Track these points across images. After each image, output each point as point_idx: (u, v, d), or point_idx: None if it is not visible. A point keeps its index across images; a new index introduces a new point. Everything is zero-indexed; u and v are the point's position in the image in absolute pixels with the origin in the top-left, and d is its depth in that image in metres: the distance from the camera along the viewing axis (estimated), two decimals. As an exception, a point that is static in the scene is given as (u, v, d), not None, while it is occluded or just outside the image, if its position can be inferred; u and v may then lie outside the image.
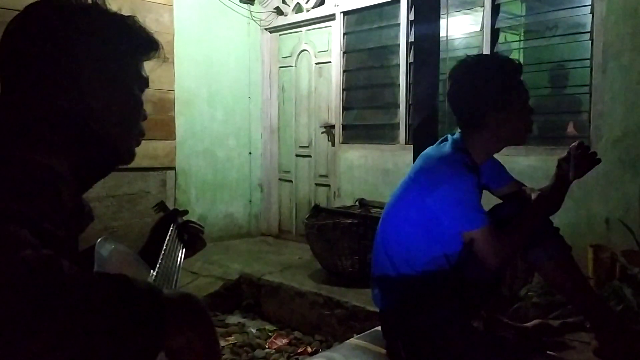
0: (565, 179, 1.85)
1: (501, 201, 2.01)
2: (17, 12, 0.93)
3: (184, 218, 1.43)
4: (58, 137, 0.86)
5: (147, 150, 4.42)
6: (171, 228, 1.32)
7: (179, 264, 1.25)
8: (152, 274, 1.06)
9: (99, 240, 0.88)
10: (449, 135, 1.89)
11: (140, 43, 0.97)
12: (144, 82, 1.00)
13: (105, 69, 0.92)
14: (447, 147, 1.83)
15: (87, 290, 0.63)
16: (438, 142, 1.92)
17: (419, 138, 2.54)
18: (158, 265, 1.09)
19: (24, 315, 0.58)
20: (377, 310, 1.98)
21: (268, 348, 3.37)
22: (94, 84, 0.91)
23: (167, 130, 4.69)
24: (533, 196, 1.88)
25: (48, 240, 0.67)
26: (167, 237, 1.26)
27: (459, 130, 1.90)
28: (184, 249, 1.33)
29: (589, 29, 3.32)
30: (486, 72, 1.81)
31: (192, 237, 1.38)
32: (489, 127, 1.79)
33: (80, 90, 0.90)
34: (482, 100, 1.78)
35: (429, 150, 1.90)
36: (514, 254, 1.80)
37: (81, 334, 0.61)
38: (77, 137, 0.89)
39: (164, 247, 1.19)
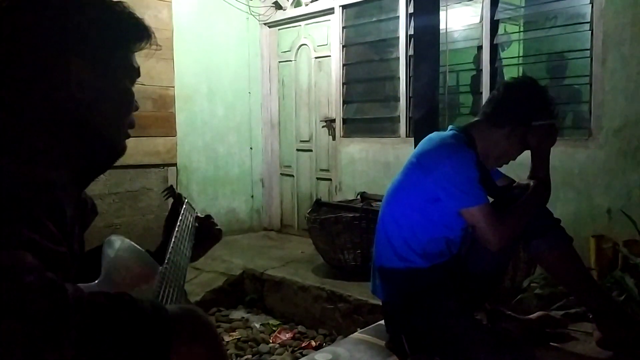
0: (540, 152, 1.92)
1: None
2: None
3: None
4: (54, 135, 0.84)
5: (148, 147, 4.42)
6: (180, 218, 1.31)
7: (188, 257, 1.23)
8: (161, 269, 1.06)
9: (107, 239, 0.88)
10: (451, 126, 1.95)
11: (131, 31, 0.93)
12: (136, 73, 0.96)
13: (96, 60, 0.88)
14: (448, 132, 1.90)
15: (92, 314, 0.63)
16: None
17: (420, 131, 2.54)
18: (166, 261, 1.08)
19: (30, 342, 0.58)
20: (380, 303, 1.99)
21: (272, 342, 3.39)
22: (85, 75, 0.86)
23: (168, 127, 4.69)
24: (532, 184, 1.90)
25: (50, 259, 0.66)
26: (176, 230, 1.24)
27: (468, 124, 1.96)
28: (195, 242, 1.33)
29: (588, 20, 3.31)
30: (541, 98, 1.92)
31: (209, 233, 1.38)
32: (505, 130, 1.87)
33: (71, 83, 0.85)
34: (520, 113, 1.87)
35: (431, 134, 1.94)
36: (514, 236, 1.80)
37: (88, 356, 0.61)
38: (72, 133, 0.86)
39: (172, 240, 1.18)
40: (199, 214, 1.46)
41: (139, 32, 0.93)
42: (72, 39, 0.85)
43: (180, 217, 1.32)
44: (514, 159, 1.95)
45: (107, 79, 0.90)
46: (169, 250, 1.13)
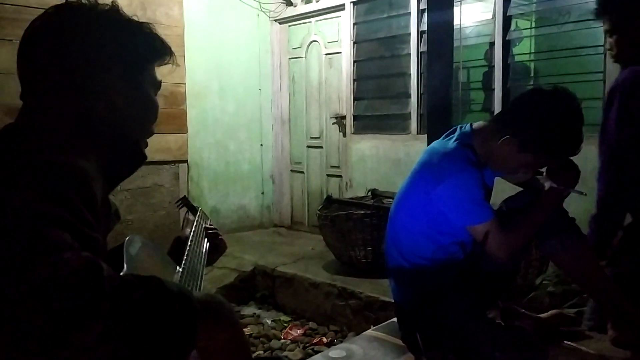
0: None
1: (513, 194, 2.01)
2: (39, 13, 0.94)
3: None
4: (86, 138, 0.88)
5: (159, 144, 4.44)
6: (194, 224, 1.35)
7: (203, 261, 1.27)
8: (179, 270, 1.08)
9: (127, 238, 0.90)
10: (458, 127, 1.86)
11: (156, 49, 1.01)
12: (158, 86, 1.05)
13: (128, 73, 0.95)
14: (452, 141, 1.80)
15: (124, 292, 0.66)
16: (445, 134, 1.90)
17: (434, 127, 2.54)
18: (184, 262, 1.12)
19: (65, 316, 0.60)
20: (392, 300, 1.99)
21: (284, 339, 3.40)
22: (118, 87, 0.93)
23: (179, 124, 4.71)
24: (547, 185, 1.86)
25: (84, 242, 0.69)
26: (191, 234, 1.28)
27: (470, 124, 1.86)
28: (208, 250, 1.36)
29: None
30: (571, 126, 1.70)
31: (214, 242, 1.40)
32: (509, 145, 1.73)
33: (105, 93, 0.92)
34: (539, 133, 1.69)
35: (434, 144, 1.89)
36: (523, 246, 1.79)
37: (119, 335, 0.63)
38: (103, 139, 0.91)
39: (189, 244, 1.22)
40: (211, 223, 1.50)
41: (163, 49, 1.01)
42: (111, 53, 0.93)
43: (195, 223, 1.37)
44: (523, 179, 1.86)
45: (139, 90, 0.98)
46: (186, 253, 1.17)
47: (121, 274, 0.83)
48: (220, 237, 1.42)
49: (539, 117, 1.70)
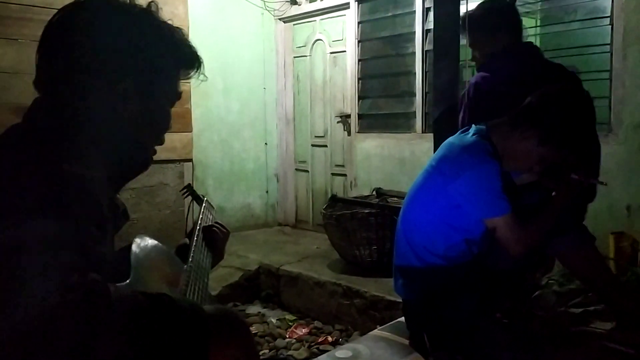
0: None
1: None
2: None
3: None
4: (92, 141, 0.85)
5: (164, 143, 4.43)
6: (199, 217, 1.33)
7: (210, 256, 1.26)
8: (186, 268, 1.08)
9: (135, 238, 0.89)
10: (473, 125, 1.86)
11: (185, 58, 0.94)
12: (179, 96, 0.98)
13: (148, 79, 0.89)
14: (469, 135, 1.82)
15: (134, 313, 0.65)
16: (460, 131, 1.90)
17: (440, 126, 2.52)
18: (190, 260, 1.11)
19: (75, 340, 0.59)
20: (397, 299, 1.99)
21: (289, 337, 3.40)
22: (135, 92, 0.88)
23: (184, 123, 4.70)
24: (554, 185, 1.86)
25: (91, 259, 0.68)
26: (196, 229, 1.27)
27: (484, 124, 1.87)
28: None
29: (608, 14, 3.27)
30: (568, 112, 1.73)
31: (215, 240, 1.35)
32: (528, 140, 1.75)
33: (121, 96, 0.87)
34: (562, 125, 1.71)
35: (451, 138, 1.89)
36: (537, 243, 1.78)
37: (130, 356, 0.62)
38: (110, 143, 0.88)
39: (194, 240, 1.21)
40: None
41: (192, 61, 0.95)
42: (135, 56, 0.87)
43: (200, 216, 1.34)
44: (532, 179, 1.87)
45: (156, 99, 0.92)
46: (192, 250, 1.15)
47: (127, 281, 0.82)
48: (214, 228, 1.34)
49: (561, 110, 1.72)
